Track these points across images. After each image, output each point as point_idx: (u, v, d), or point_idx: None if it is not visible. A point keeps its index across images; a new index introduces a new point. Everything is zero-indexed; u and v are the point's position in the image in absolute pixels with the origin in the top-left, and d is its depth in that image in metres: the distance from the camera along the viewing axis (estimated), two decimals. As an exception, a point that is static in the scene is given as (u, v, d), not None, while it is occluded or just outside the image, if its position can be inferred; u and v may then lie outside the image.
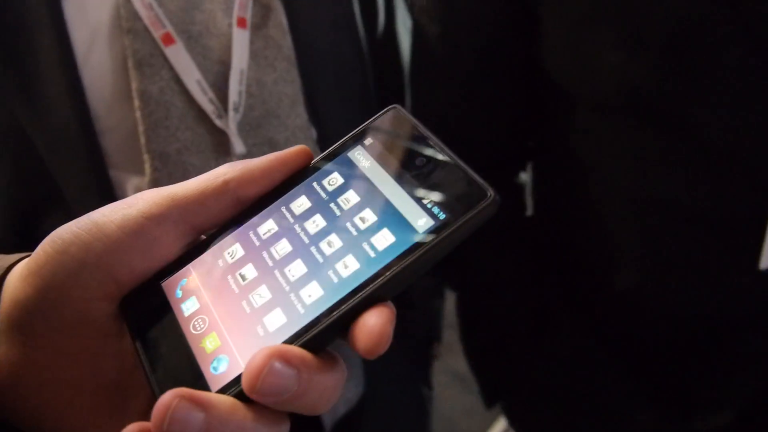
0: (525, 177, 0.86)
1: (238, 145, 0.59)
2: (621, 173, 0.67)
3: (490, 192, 0.28)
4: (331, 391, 0.27)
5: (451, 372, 0.94)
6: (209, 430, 0.25)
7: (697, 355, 0.70)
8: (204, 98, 0.58)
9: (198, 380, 0.28)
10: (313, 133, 0.64)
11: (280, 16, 0.62)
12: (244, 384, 0.25)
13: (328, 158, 0.32)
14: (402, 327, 0.84)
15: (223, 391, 0.27)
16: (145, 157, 0.57)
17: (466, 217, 0.28)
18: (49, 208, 0.58)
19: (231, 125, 0.59)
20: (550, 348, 0.79)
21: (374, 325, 0.26)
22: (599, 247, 0.73)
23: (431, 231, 0.28)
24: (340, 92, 0.66)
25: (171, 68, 0.57)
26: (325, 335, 0.27)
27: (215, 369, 0.28)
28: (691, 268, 0.66)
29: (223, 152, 0.59)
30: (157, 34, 0.57)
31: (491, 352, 0.84)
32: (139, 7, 0.56)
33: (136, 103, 0.57)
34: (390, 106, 0.33)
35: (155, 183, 0.58)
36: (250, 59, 0.60)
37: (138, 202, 0.30)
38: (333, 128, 0.64)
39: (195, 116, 0.58)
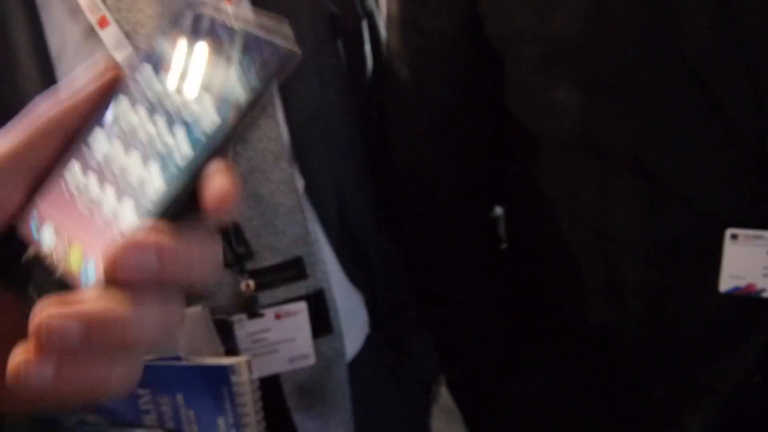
0: (499, 211, 0.88)
1: None
2: (583, 209, 0.70)
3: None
4: (204, 255, 0.27)
5: (437, 405, 0.96)
6: (89, 323, 0.25)
7: (664, 381, 0.72)
8: None
9: None
10: (301, 184, 0.66)
11: None
12: (104, 269, 0.25)
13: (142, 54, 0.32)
14: (399, 376, 0.83)
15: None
16: None
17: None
18: None
19: None
20: (523, 380, 0.81)
21: (218, 179, 0.27)
22: (566, 279, 0.75)
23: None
24: (328, 145, 0.69)
25: None
26: (175, 202, 0.28)
27: (86, 283, 0.28)
28: (654, 297, 0.69)
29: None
30: None
31: (468, 384, 0.85)
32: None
33: None
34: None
35: None
36: None
37: None
38: (320, 179, 0.67)
39: None
